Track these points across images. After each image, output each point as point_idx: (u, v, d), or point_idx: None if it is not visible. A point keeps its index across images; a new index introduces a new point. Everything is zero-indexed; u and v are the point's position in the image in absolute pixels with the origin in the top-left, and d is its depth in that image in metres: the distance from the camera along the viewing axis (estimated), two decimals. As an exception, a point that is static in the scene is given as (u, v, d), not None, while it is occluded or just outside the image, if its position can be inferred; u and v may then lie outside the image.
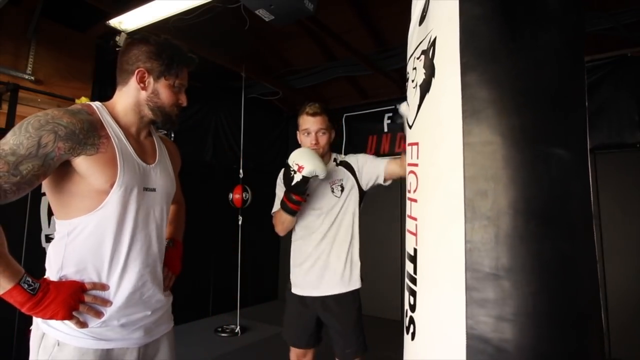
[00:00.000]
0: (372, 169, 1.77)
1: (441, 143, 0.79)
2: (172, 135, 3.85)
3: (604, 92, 3.27)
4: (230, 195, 3.92)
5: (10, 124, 2.71)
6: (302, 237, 1.78)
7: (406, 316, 0.93)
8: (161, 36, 1.08)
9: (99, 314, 0.94)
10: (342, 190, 1.76)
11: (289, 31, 3.61)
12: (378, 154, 4.54)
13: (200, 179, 4.17)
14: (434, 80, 0.83)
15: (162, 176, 1.09)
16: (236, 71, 3.90)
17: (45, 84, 2.94)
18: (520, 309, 0.66)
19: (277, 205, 1.77)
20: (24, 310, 0.86)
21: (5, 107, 2.72)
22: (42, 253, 1.03)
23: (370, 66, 3.77)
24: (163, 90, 1.06)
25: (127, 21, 2.70)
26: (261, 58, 4.19)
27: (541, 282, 0.67)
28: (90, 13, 2.91)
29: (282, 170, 1.83)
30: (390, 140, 4.49)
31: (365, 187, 1.80)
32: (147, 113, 1.06)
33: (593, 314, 0.70)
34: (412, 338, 0.87)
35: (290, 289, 1.80)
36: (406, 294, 0.94)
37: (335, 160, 1.83)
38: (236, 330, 3.66)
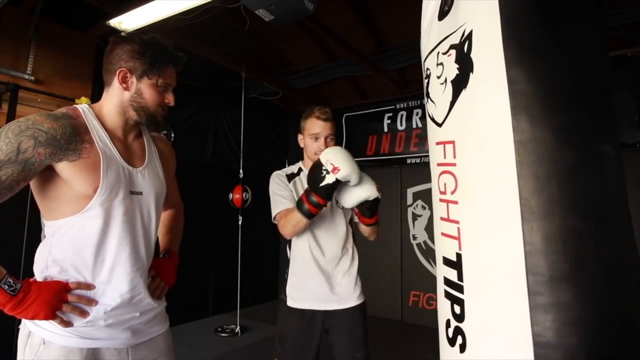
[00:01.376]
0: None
1: (487, 141, 0.75)
2: (172, 135, 3.85)
3: (604, 92, 3.27)
4: (230, 195, 3.92)
5: (10, 124, 2.71)
6: (309, 246, 1.65)
7: (448, 327, 0.87)
8: (148, 34, 1.05)
9: (84, 314, 0.93)
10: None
11: (289, 31, 3.61)
12: (378, 154, 4.54)
13: (200, 179, 4.16)
14: (472, 76, 0.78)
15: (150, 179, 1.07)
16: (236, 71, 3.90)
17: (45, 84, 2.94)
18: (587, 312, 0.64)
19: (280, 204, 1.64)
20: (5, 310, 0.86)
21: (5, 107, 2.72)
22: (43, 253, 1.02)
23: (370, 66, 3.77)
24: (146, 90, 1.02)
25: (127, 21, 2.70)
26: (261, 58, 4.19)
27: (606, 283, 0.65)
28: (90, 13, 2.91)
29: (282, 172, 1.74)
30: (390, 140, 4.48)
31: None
32: (132, 114, 1.03)
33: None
34: (462, 350, 0.81)
35: (285, 301, 1.68)
36: (445, 302, 0.88)
37: None
38: (236, 330, 3.66)
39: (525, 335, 0.65)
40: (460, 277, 0.82)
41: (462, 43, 0.81)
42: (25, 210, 2.65)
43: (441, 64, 0.89)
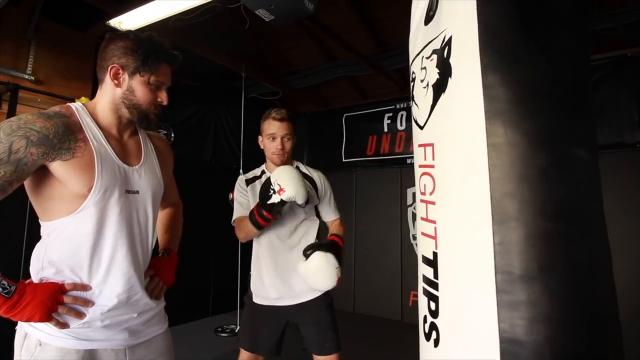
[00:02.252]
0: (325, 208, 1.81)
1: (462, 144, 0.77)
2: (172, 135, 3.85)
3: (604, 92, 3.27)
4: (230, 195, 3.92)
5: (10, 124, 2.71)
6: (266, 246, 1.71)
7: (425, 322, 0.90)
8: (145, 32, 1.04)
9: (80, 315, 0.93)
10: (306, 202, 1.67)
11: (289, 31, 3.62)
12: (378, 154, 4.54)
13: (200, 179, 4.16)
14: (450, 80, 0.81)
15: (146, 178, 1.05)
16: (236, 71, 3.90)
17: (45, 84, 2.94)
18: (554, 310, 0.65)
19: (237, 212, 1.72)
20: (0, 313, 0.86)
21: (5, 107, 2.72)
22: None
23: (370, 66, 3.77)
24: (138, 87, 1.00)
25: (127, 21, 2.70)
26: (261, 58, 4.19)
27: (573, 282, 0.66)
28: (90, 13, 2.91)
29: (242, 178, 1.80)
30: (390, 140, 4.48)
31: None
32: (124, 112, 1.02)
33: (614, 313, 0.70)
34: (435, 345, 0.84)
35: (252, 297, 1.74)
36: (423, 299, 0.91)
37: (297, 168, 1.80)
38: (236, 330, 3.66)
39: (493, 332, 0.68)
40: (436, 275, 0.85)
41: (442, 48, 0.84)
42: (25, 211, 2.66)
43: (424, 68, 0.92)
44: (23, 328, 0.94)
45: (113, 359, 0.97)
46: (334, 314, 1.74)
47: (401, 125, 4.42)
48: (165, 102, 1.06)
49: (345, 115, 4.85)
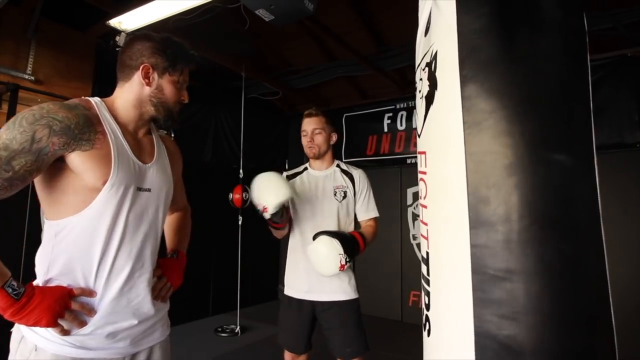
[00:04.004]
0: (359, 206, 1.82)
1: (446, 153, 0.83)
2: (172, 135, 3.85)
3: (604, 92, 3.27)
4: (230, 195, 3.92)
5: (10, 124, 2.71)
6: (300, 238, 1.77)
7: (422, 314, 0.99)
8: (161, 33, 1.07)
9: (82, 323, 0.89)
10: (344, 197, 1.79)
11: (289, 31, 3.61)
12: (378, 154, 4.54)
13: (200, 179, 4.16)
14: (436, 93, 0.86)
15: (158, 176, 1.05)
16: (236, 71, 3.90)
17: (45, 84, 2.94)
18: (523, 308, 0.70)
19: None
20: (6, 316, 0.82)
21: (5, 107, 2.72)
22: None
23: (370, 66, 3.77)
24: (167, 86, 1.04)
25: (127, 21, 2.70)
26: (261, 58, 4.19)
27: (543, 283, 0.70)
28: (90, 13, 2.91)
29: (284, 174, 1.86)
30: (390, 140, 4.48)
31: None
32: (149, 109, 1.04)
33: (601, 314, 0.72)
34: (428, 335, 0.93)
35: (283, 290, 1.81)
36: (424, 295, 0.99)
37: (338, 165, 1.87)
38: (236, 330, 3.66)
39: (469, 326, 0.74)
40: (428, 272, 0.93)
41: (431, 62, 0.90)
42: (25, 211, 2.66)
43: (421, 79, 0.98)
44: (20, 330, 0.91)
45: None
46: (361, 317, 1.75)
47: (401, 125, 4.42)
48: (187, 100, 1.10)
49: (345, 115, 4.85)
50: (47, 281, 0.90)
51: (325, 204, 1.76)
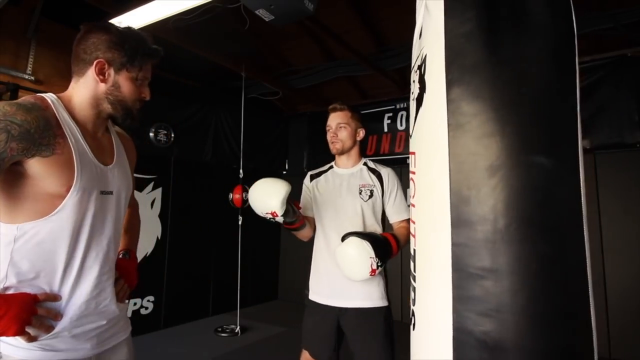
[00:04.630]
0: (389, 207, 1.70)
1: (432, 154, 0.85)
2: (172, 135, 3.85)
3: (604, 92, 3.27)
4: (230, 195, 3.92)
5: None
6: (323, 239, 1.68)
7: (409, 309, 1.03)
8: (123, 25, 1.01)
9: (50, 329, 0.86)
10: (370, 196, 1.67)
11: (289, 31, 3.61)
12: (378, 154, 4.54)
13: (200, 179, 4.16)
14: (425, 95, 0.89)
15: (119, 178, 1.02)
16: (236, 71, 3.90)
17: (45, 84, 2.94)
18: (499, 305, 0.72)
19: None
20: None
21: (5, 107, 2.72)
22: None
23: (370, 66, 3.77)
24: (125, 83, 0.97)
25: (127, 21, 2.70)
26: (261, 58, 4.19)
27: (520, 281, 0.72)
28: (90, 13, 2.91)
29: (308, 174, 1.84)
30: (390, 140, 4.48)
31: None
32: (106, 107, 0.98)
33: (579, 313, 0.73)
34: (414, 328, 0.96)
35: (308, 295, 1.70)
36: (410, 290, 1.02)
37: (365, 164, 1.78)
38: (236, 330, 3.66)
39: (447, 321, 0.77)
40: (414, 269, 0.96)
41: (421, 65, 0.92)
42: None
43: (414, 81, 1.01)
44: None
45: None
46: (391, 328, 1.62)
47: (401, 125, 4.42)
48: (148, 98, 1.04)
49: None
50: (6, 289, 0.85)
51: (348, 203, 1.66)
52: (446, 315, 0.77)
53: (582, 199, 0.75)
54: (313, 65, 4.16)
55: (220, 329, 3.71)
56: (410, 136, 1.05)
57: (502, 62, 0.77)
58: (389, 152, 4.47)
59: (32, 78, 2.84)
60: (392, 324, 1.63)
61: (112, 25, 0.98)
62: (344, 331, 1.63)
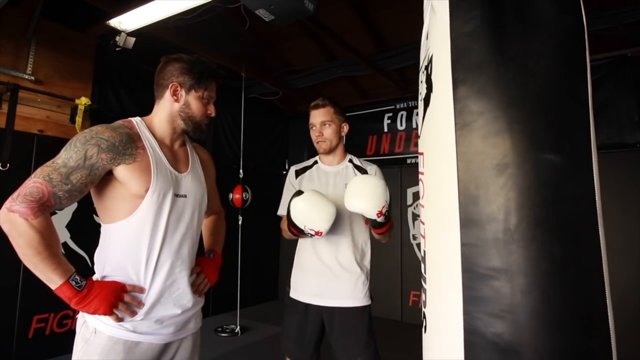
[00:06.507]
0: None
1: (440, 154, 0.85)
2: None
3: (604, 92, 3.27)
4: (230, 195, 3.92)
5: (10, 124, 2.71)
6: (308, 240, 1.64)
7: (421, 311, 1.02)
8: (193, 55, 1.20)
9: (133, 313, 1.05)
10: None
11: (289, 31, 3.62)
12: (378, 154, 4.55)
13: (200, 179, 4.16)
14: (432, 95, 0.89)
15: (193, 183, 1.19)
16: (236, 71, 3.90)
17: (45, 84, 2.94)
18: (510, 306, 0.71)
19: (281, 209, 1.67)
20: (71, 304, 0.98)
21: (5, 107, 2.72)
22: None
23: (370, 66, 3.77)
24: (193, 102, 1.17)
25: (127, 21, 2.70)
26: (261, 58, 4.19)
27: (529, 282, 0.70)
28: (90, 13, 2.91)
29: (292, 169, 1.77)
30: (390, 140, 4.48)
31: None
32: (180, 123, 1.17)
33: (594, 314, 0.71)
34: (425, 331, 0.96)
35: (289, 292, 1.67)
36: (422, 292, 1.02)
37: (351, 161, 1.74)
38: (236, 330, 3.66)
39: (458, 322, 0.76)
40: (425, 270, 0.95)
41: (428, 65, 0.92)
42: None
43: (421, 82, 1.01)
44: (83, 316, 1.07)
45: (152, 351, 1.09)
46: (372, 324, 1.62)
47: (401, 125, 4.42)
48: (213, 114, 1.22)
49: (345, 115, 4.85)
50: (104, 277, 1.07)
51: (335, 202, 1.60)
52: (457, 317, 0.76)
53: (597, 196, 0.73)
54: (313, 65, 4.16)
55: (220, 329, 3.71)
56: (419, 137, 1.05)
57: (507, 60, 0.76)
58: (389, 152, 4.47)
59: (32, 78, 2.84)
60: (372, 320, 1.63)
61: (184, 55, 1.19)
62: (328, 330, 1.61)
